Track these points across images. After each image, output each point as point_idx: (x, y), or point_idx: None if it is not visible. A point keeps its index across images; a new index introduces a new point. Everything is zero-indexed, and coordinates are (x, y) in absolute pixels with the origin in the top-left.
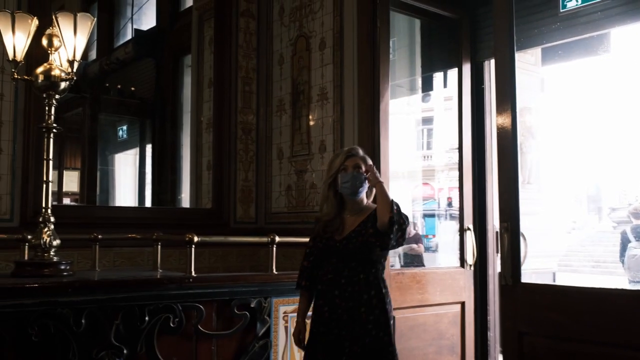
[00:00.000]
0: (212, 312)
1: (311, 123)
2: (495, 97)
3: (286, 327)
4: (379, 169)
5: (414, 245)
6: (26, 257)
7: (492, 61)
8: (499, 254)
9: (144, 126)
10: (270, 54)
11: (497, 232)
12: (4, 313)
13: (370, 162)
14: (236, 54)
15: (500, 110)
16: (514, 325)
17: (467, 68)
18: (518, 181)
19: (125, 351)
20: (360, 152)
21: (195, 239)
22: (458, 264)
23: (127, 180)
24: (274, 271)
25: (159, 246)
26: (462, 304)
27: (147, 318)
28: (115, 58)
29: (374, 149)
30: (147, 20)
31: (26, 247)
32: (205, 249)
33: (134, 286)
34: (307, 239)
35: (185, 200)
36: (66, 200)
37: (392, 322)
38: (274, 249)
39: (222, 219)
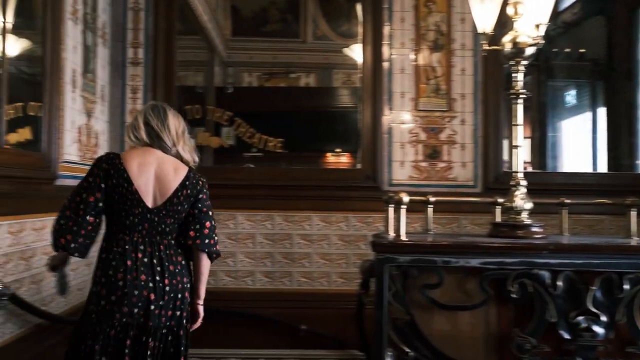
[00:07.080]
0: None
1: None
2: None
3: None
4: None
5: None
6: (498, 220)
7: None
8: None
9: (595, 89)
10: None
11: None
12: (488, 269)
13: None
14: None
15: None
16: None
17: None
18: None
19: (602, 318)
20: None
21: None
22: None
23: (577, 146)
24: None
25: (634, 212)
26: None
27: (625, 287)
28: (561, 21)
29: None
30: None
31: (498, 209)
32: None
33: (610, 252)
34: None
35: None
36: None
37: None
38: None
39: None
